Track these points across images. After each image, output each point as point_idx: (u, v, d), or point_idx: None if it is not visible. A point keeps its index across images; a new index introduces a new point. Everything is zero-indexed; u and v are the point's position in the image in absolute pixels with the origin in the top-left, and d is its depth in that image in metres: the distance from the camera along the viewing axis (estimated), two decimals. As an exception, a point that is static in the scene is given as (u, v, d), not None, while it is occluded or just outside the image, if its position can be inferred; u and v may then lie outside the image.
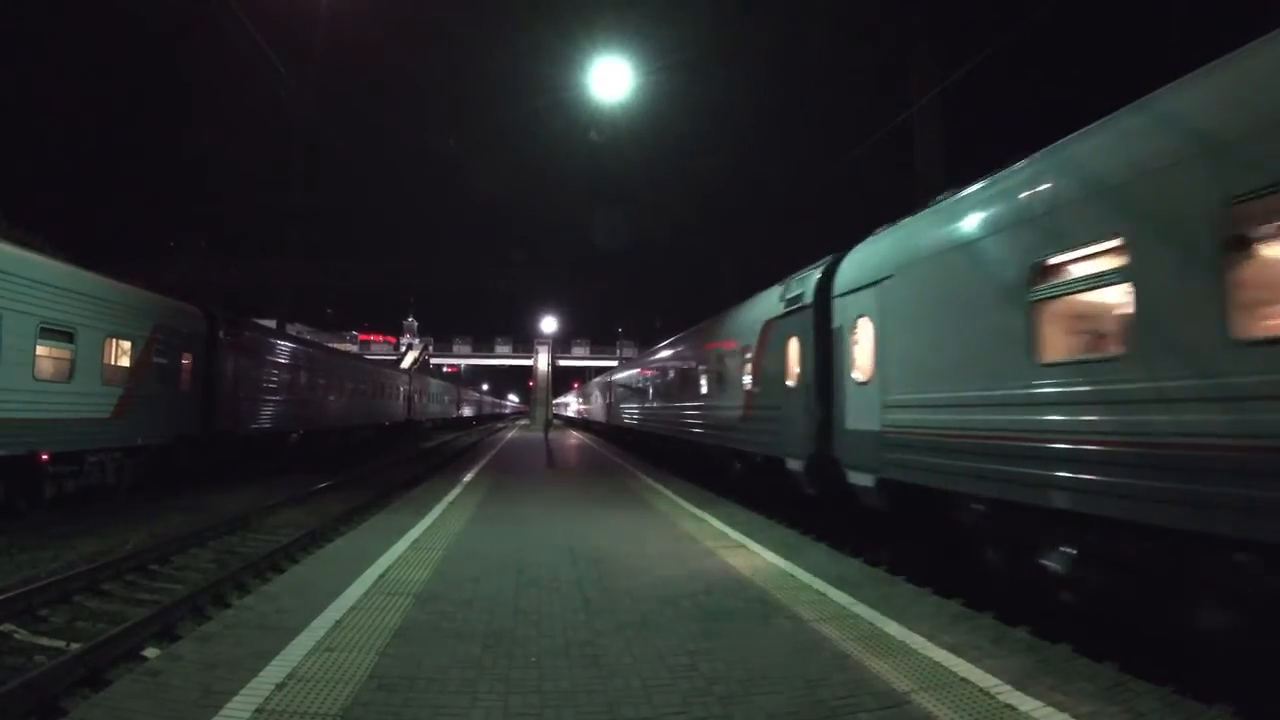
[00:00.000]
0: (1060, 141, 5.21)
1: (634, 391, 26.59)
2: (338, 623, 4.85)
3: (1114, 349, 4.54)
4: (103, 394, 12.11)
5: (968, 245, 5.98)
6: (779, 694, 3.75)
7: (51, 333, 10.80)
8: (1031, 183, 5.30)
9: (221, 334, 16.68)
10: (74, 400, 11.30)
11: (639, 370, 26.41)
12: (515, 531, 8.56)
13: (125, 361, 12.86)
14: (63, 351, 11.10)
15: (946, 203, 6.67)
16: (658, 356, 22.02)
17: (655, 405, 21.52)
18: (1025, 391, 5.09)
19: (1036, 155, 5.44)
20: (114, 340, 12.54)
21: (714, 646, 4.48)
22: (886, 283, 7.26)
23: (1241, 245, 3.73)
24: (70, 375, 11.22)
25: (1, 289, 9.75)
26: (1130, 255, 4.30)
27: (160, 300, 14.50)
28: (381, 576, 6.15)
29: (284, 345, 21.60)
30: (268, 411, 19.51)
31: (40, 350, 10.54)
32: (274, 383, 20.03)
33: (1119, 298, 4.45)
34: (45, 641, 5.82)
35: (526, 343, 69.58)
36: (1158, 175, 4.17)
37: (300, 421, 22.20)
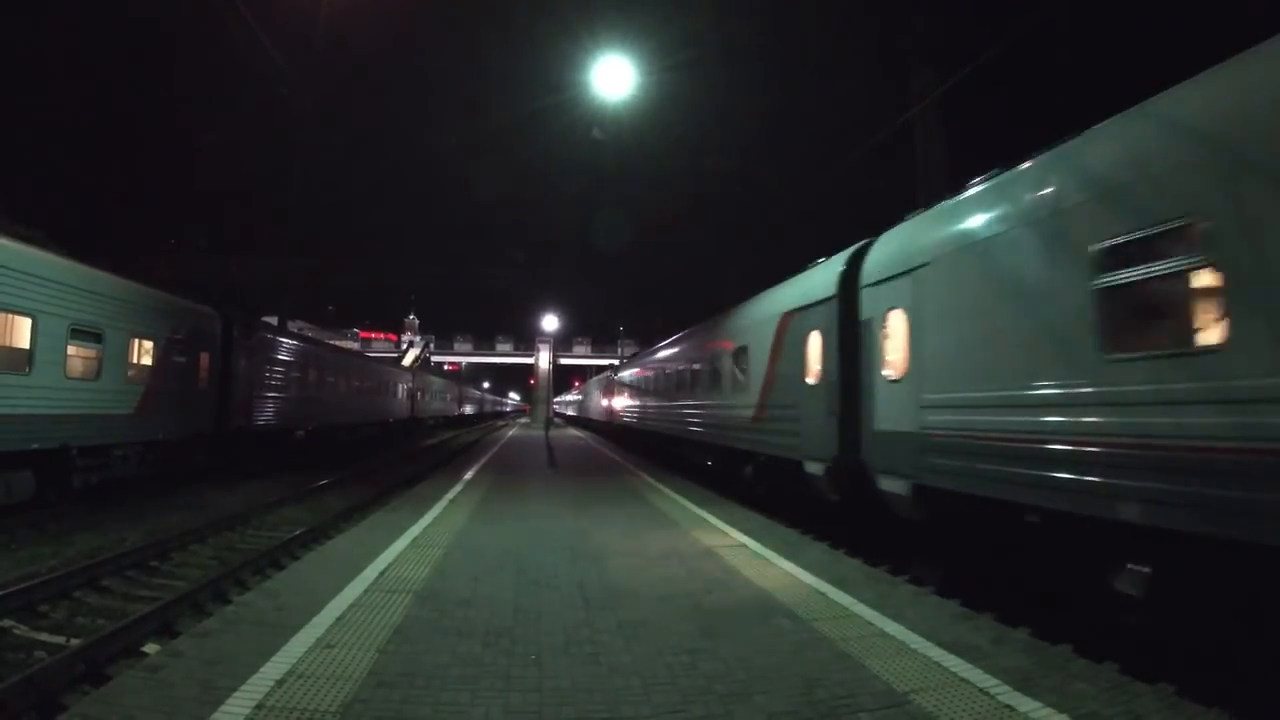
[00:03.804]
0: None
1: (637, 390, 25.14)
2: (338, 620, 4.85)
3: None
4: (127, 391, 12.58)
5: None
6: (779, 693, 3.75)
7: (81, 333, 11.26)
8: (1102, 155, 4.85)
9: (236, 334, 16.98)
10: (101, 397, 11.79)
11: (639, 370, 24.94)
12: (516, 529, 8.56)
13: (148, 361, 13.34)
14: (91, 351, 11.57)
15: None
16: (665, 354, 20.30)
17: (659, 405, 20.26)
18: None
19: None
20: (138, 340, 13.03)
21: (714, 645, 4.47)
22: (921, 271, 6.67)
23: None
24: (98, 374, 11.69)
25: (35, 293, 10.20)
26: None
27: (180, 302, 14.94)
28: (382, 574, 6.15)
29: (293, 345, 21.87)
30: (278, 409, 19.76)
31: (71, 350, 11.01)
32: (284, 381, 20.30)
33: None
34: (45, 637, 5.83)
35: (527, 341, 69.65)
36: None
37: (308, 419, 22.41)
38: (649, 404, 22.55)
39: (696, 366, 15.67)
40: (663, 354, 20.79)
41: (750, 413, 11.19)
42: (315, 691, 3.67)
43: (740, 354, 12.00)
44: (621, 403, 30.42)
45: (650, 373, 22.58)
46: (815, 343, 8.87)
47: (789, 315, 9.82)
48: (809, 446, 8.84)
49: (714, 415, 13.64)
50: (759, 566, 6.70)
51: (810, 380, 8.93)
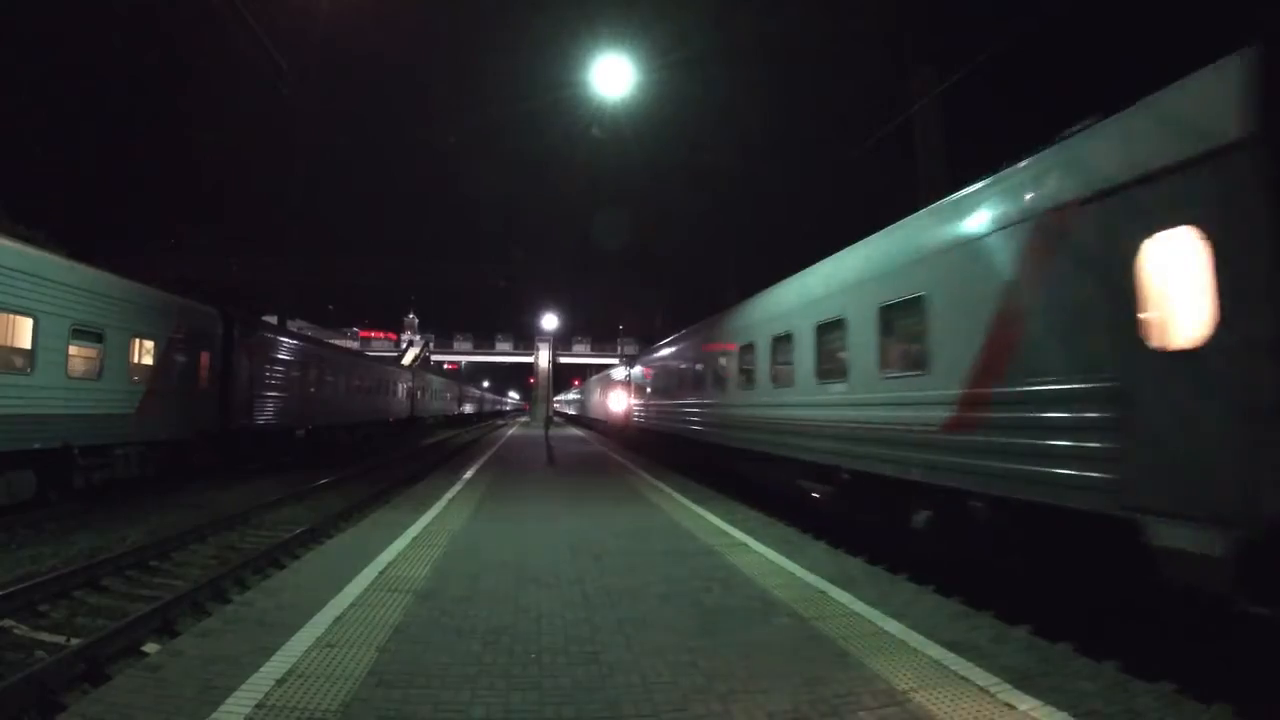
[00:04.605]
0: None
1: (665, 388, 18.70)
2: (338, 619, 4.85)
3: None
4: (129, 391, 12.66)
5: None
6: (779, 692, 3.75)
7: (82, 334, 11.34)
8: None
9: (236, 333, 17.04)
10: (103, 397, 11.88)
11: (670, 359, 18.32)
12: (515, 528, 8.56)
13: (149, 360, 13.41)
14: (92, 351, 11.66)
15: None
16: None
17: (706, 403, 14.13)
18: None
19: None
20: (139, 340, 13.11)
21: (714, 644, 4.48)
22: None
23: None
24: (99, 374, 11.77)
25: (37, 293, 10.27)
26: None
27: (181, 301, 15.00)
28: (382, 573, 6.15)
29: (294, 344, 21.90)
30: (278, 408, 19.79)
31: (72, 350, 11.10)
32: (284, 380, 20.33)
33: None
34: (45, 637, 5.83)
35: (527, 340, 69.62)
36: None
37: (308, 418, 22.43)
38: (687, 402, 16.27)
39: (784, 345, 10.00)
40: (713, 332, 14.67)
41: (937, 415, 6.14)
42: (315, 691, 3.67)
43: (897, 313, 7.08)
44: (643, 402, 23.43)
45: (687, 362, 16.66)
46: (1175, 260, 4.06)
47: (1060, 214, 4.91)
48: (1163, 487, 4.03)
49: (830, 420, 8.27)
50: (759, 564, 6.70)
51: (1159, 344, 4.13)
